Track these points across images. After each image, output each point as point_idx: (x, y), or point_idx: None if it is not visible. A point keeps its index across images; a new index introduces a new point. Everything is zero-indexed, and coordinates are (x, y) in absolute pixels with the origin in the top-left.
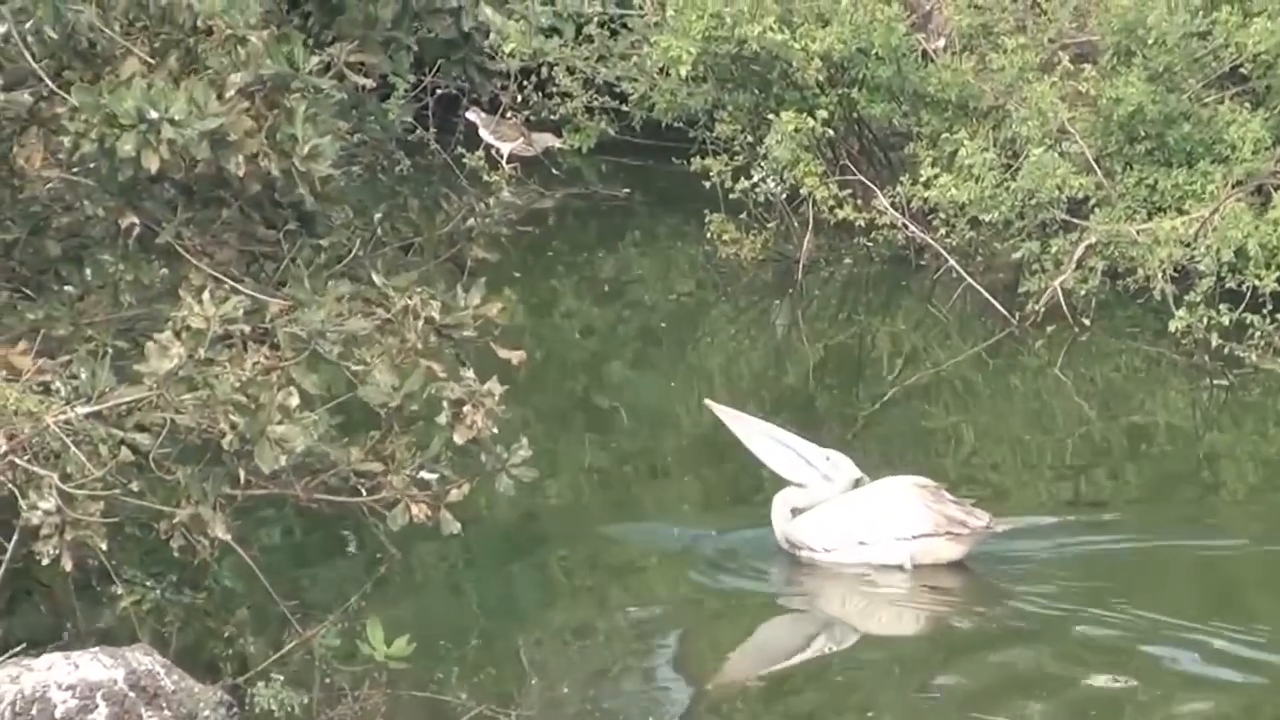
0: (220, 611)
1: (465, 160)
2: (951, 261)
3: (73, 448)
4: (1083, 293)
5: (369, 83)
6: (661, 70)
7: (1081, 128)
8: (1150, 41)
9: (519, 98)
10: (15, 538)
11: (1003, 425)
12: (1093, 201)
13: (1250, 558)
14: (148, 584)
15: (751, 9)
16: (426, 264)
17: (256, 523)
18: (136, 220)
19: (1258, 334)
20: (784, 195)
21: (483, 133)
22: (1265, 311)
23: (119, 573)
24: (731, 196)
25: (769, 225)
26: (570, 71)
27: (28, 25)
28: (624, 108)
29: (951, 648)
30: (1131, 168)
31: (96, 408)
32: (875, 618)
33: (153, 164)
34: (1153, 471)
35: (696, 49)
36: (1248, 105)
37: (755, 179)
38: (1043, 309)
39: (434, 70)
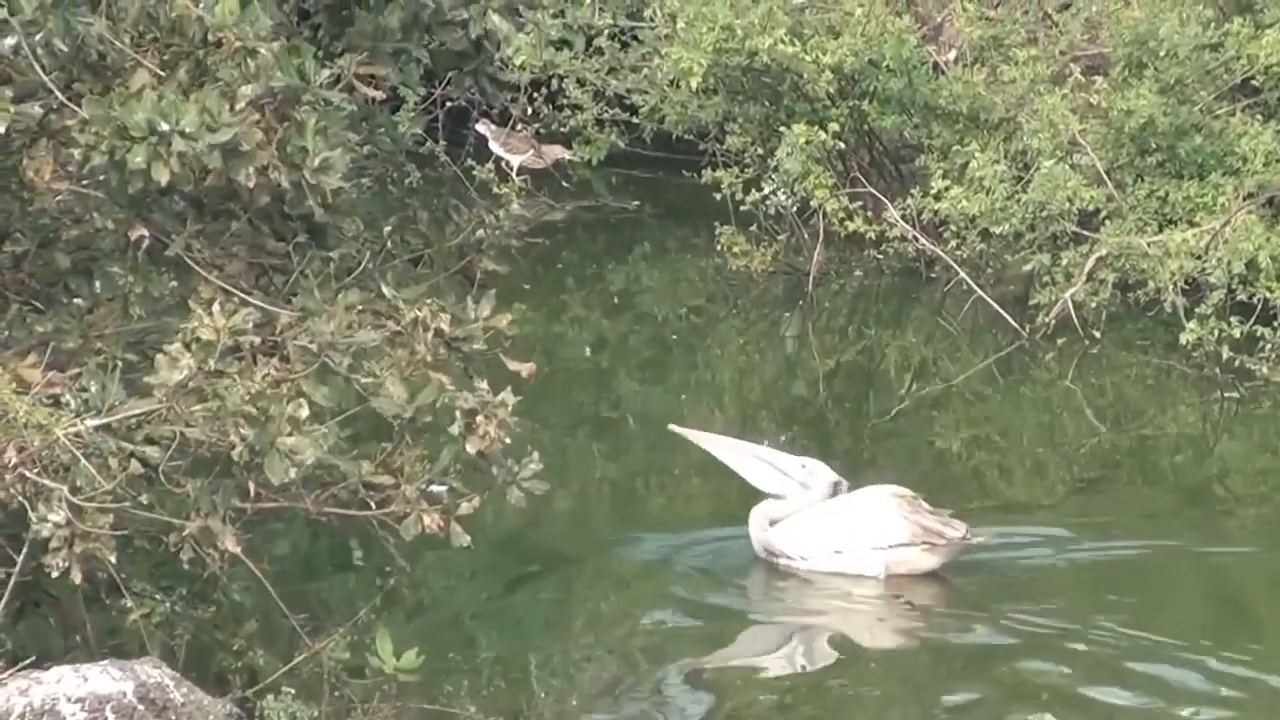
0: (229, 624)
1: (475, 172)
2: (962, 274)
3: (82, 460)
4: (1093, 305)
5: (379, 95)
6: (672, 82)
7: (1093, 140)
8: (1162, 54)
9: (529, 110)
10: (25, 550)
11: (1013, 438)
12: (1104, 214)
13: (1260, 569)
14: (157, 597)
15: (762, 21)
16: (436, 276)
17: (266, 535)
18: (146, 233)
19: (1268, 346)
20: (794, 208)
21: (493, 145)
22: (1276, 324)
23: (128, 585)
24: (742, 209)
25: (779, 238)
26: (581, 84)
27: (38, 37)
28: (634, 120)
29: (955, 663)
30: (1143, 180)
31: (106, 420)
32: (881, 633)
33: (163, 176)
34: (1163, 484)
35: (707, 61)
36: (1259, 117)
37: (765, 191)
38: (1053, 321)
39: (444, 83)
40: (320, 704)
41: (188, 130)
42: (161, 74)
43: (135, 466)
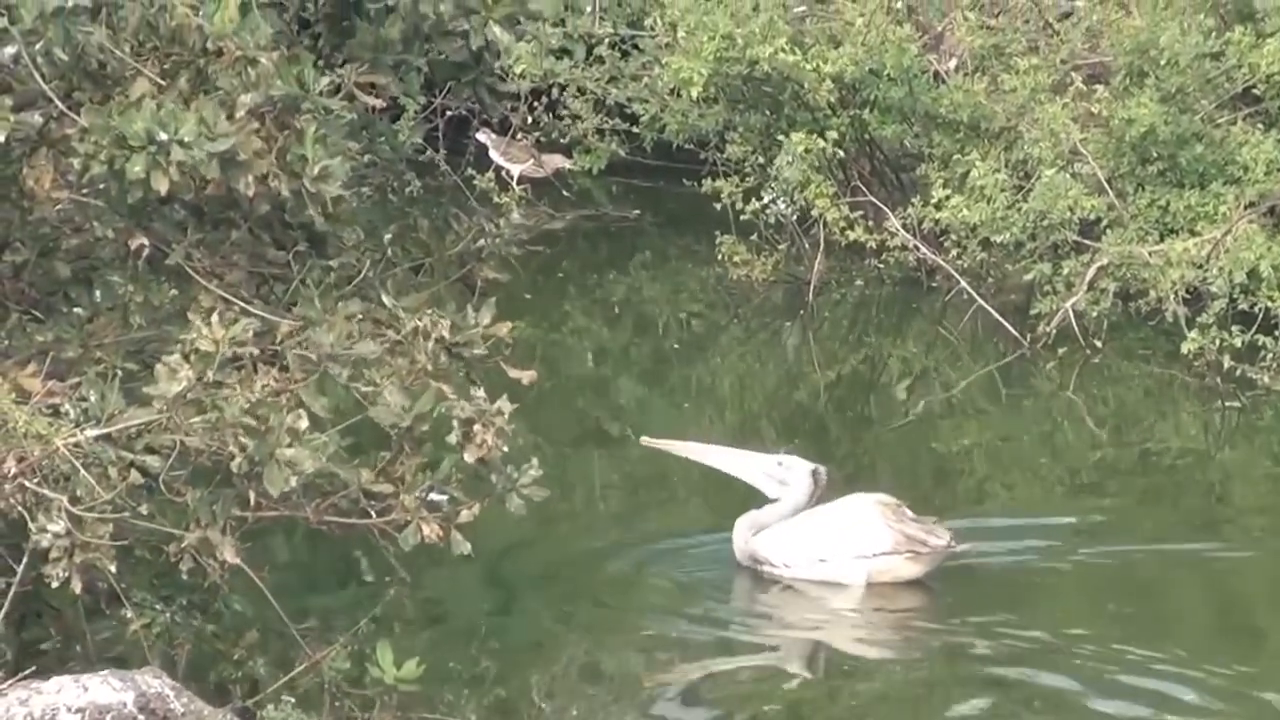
0: (230, 634)
1: (475, 181)
2: (963, 283)
3: (82, 470)
4: (1094, 314)
5: (379, 104)
6: (672, 91)
7: (1093, 149)
8: (1163, 62)
9: (529, 119)
10: (25, 560)
11: (1014, 447)
12: (1105, 223)
13: (1261, 578)
14: (157, 606)
15: (763, 30)
16: (437, 285)
17: (266, 545)
18: (146, 242)
19: (1270, 356)
20: (795, 217)
21: (493, 154)
22: (1277, 333)
23: (128, 595)
24: (742, 218)
25: (780, 247)
26: (581, 93)
27: (38, 46)
28: (635, 129)
29: (944, 674)
30: (1144, 189)
31: (106, 430)
32: (885, 644)
33: (162, 185)
34: (1164, 493)
35: (708, 70)
36: (1260, 126)
37: (766, 200)
38: (1054, 331)
39: (444, 92)
40: (320, 714)
41: (186, 139)
42: (162, 83)
43: (135, 476)
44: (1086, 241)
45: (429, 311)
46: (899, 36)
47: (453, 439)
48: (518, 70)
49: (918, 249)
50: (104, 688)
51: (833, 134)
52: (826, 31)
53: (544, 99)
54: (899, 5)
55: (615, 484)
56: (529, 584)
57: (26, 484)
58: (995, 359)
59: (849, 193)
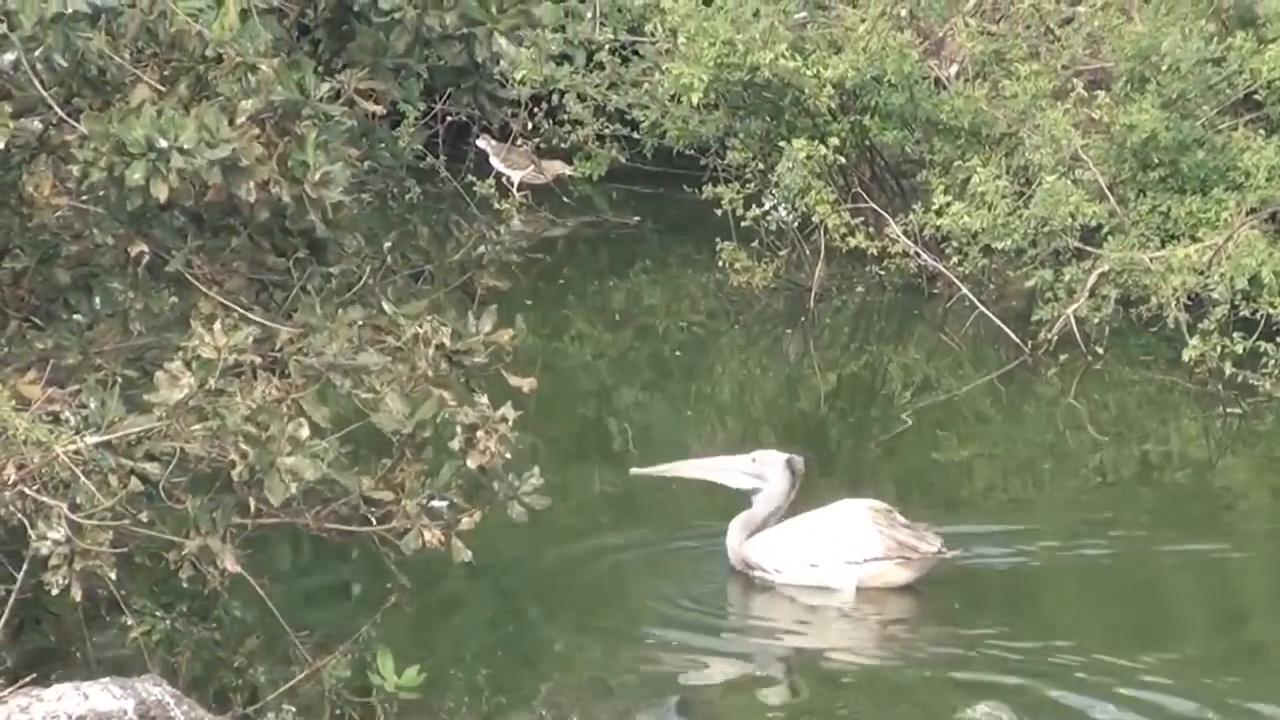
0: (230, 641)
1: (476, 188)
2: (964, 290)
3: (82, 477)
4: (1096, 321)
5: (379, 110)
6: (673, 98)
7: (1095, 155)
8: (1164, 68)
9: (529, 125)
10: (25, 567)
11: (1015, 454)
12: (1106, 229)
13: (1262, 584)
14: (157, 614)
15: (764, 36)
16: (437, 291)
17: (267, 552)
18: (146, 248)
19: (1271, 362)
20: (795, 223)
21: (493, 160)
22: (1279, 340)
23: (128, 603)
24: (743, 224)
25: (780, 253)
26: (581, 99)
27: (37, 53)
28: (635, 135)
29: (955, 681)
30: (1145, 195)
31: (106, 437)
32: (880, 651)
33: (162, 192)
34: (1165, 500)
35: (708, 76)
36: (1262, 132)
37: (766, 207)
38: (1055, 337)
39: (444, 98)
40: None
41: (186, 146)
42: (161, 89)
43: (135, 484)
44: (1088, 248)
45: (429, 318)
46: (900, 42)
47: (455, 445)
48: (518, 76)
49: (919, 255)
50: (104, 695)
51: (833, 140)
52: (827, 37)
53: (544, 105)
54: (900, 11)
55: (616, 491)
56: (529, 591)
57: (26, 491)
58: (996, 365)
59: (850, 199)
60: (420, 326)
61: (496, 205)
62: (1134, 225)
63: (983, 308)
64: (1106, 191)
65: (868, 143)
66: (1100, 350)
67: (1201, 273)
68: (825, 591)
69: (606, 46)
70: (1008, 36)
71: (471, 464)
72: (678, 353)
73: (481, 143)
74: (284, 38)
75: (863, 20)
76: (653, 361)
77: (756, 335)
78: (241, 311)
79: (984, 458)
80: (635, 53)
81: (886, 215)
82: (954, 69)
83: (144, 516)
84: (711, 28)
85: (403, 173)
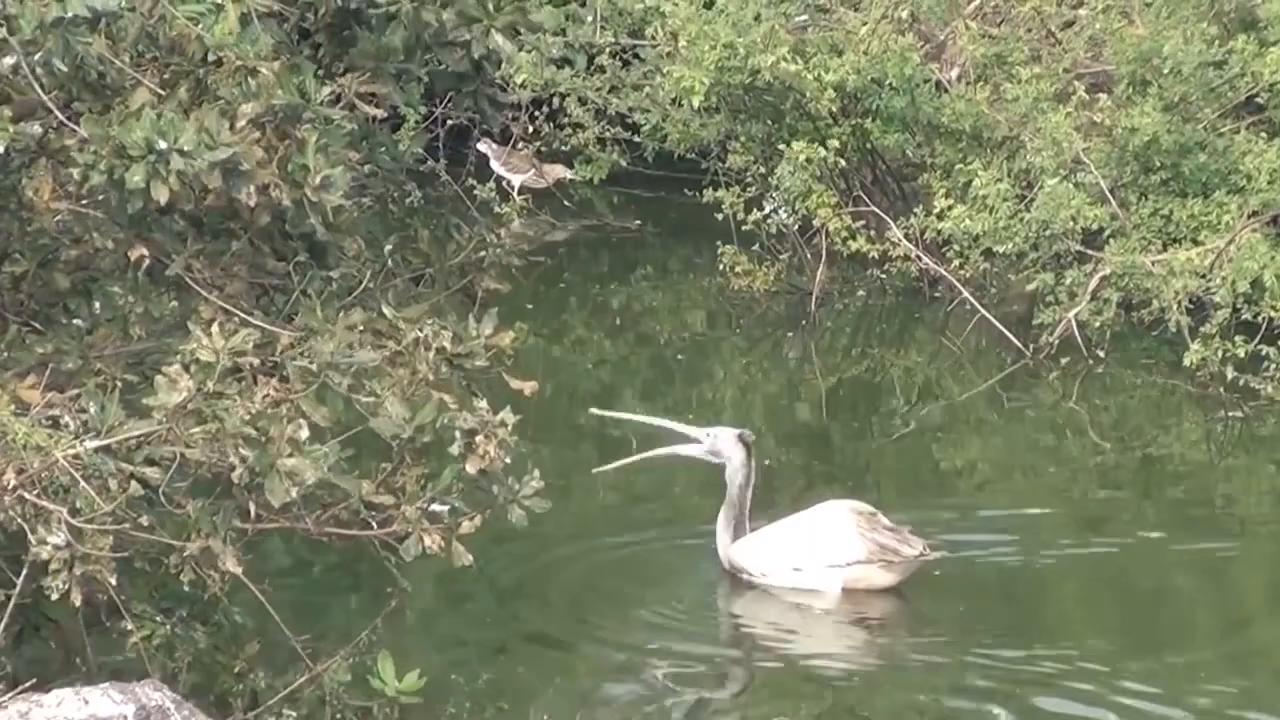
0: (231, 646)
1: (476, 191)
2: (965, 293)
3: (82, 482)
4: (1097, 325)
5: (380, 113)
6: (674, 101)
7: (1096, 158)
8: (1166, 71)
9: (530, 129)
10: (24, 573)
11: (1016, 457)
12: (1107, 232)
13: (1264, 589)
14: (158, 619)
15: (765, 39)
16: (437, 295)
17: (267, 557)
18: (146, 252)
19: (1273, 366)
20: (796, 227)
21: (494, 164)
22: None
23: (129, 607)
24: (744, 228)
25: (781, 257)
26: (582, 102)
27: (37, 57)
28: (636, 139)
29: (955, 687)
30: (1146, 198)
31: (106, 442)
32: (889, 655)
33: (162, 196)
34: (1166, 503)
35: (709, 79)
36: (1264, 135)
37: (767, 210)
38: (1057, 341)
39: (445, 102)
40: None
41: (186, 149)
42: (161, 93)
43: (135, 488)
44: (1089, 251)
45: (430, 322)
46: (901, 45)
47: (455, 450)
48: (519, 80)
49: (920, 259)
50: (104, 700)
51: (834, 143)
52: (828, 40)
53: (545, 109)
54: (901, 14)
55: (616, 493)
56: (530, 595)
57: (26, 496)
58: (998, 369)
59: (851, 202)
60: (421, 330)
61: (497, 209)
62: (1135, 229)
63: (984, 311)
64: (1108, 195)
65: (869, 146)
66: (1102, 354)
67: (1203, 276)
68: (812, 594)
69: (607, 50)
70: (1009, 40)
71: (471, 468)
72: (679, 356)
73: (482, 146)
74: (284, 41)
75: (864, 23)
76: (653, 365)
77: (757, 339)
78: (242, 315)
79: (985, 461)
80: (636, 56)
81: (888, 219)
82: (955, 72)
83: (144, 521)
84: (712, 31)
85: (403, 176)
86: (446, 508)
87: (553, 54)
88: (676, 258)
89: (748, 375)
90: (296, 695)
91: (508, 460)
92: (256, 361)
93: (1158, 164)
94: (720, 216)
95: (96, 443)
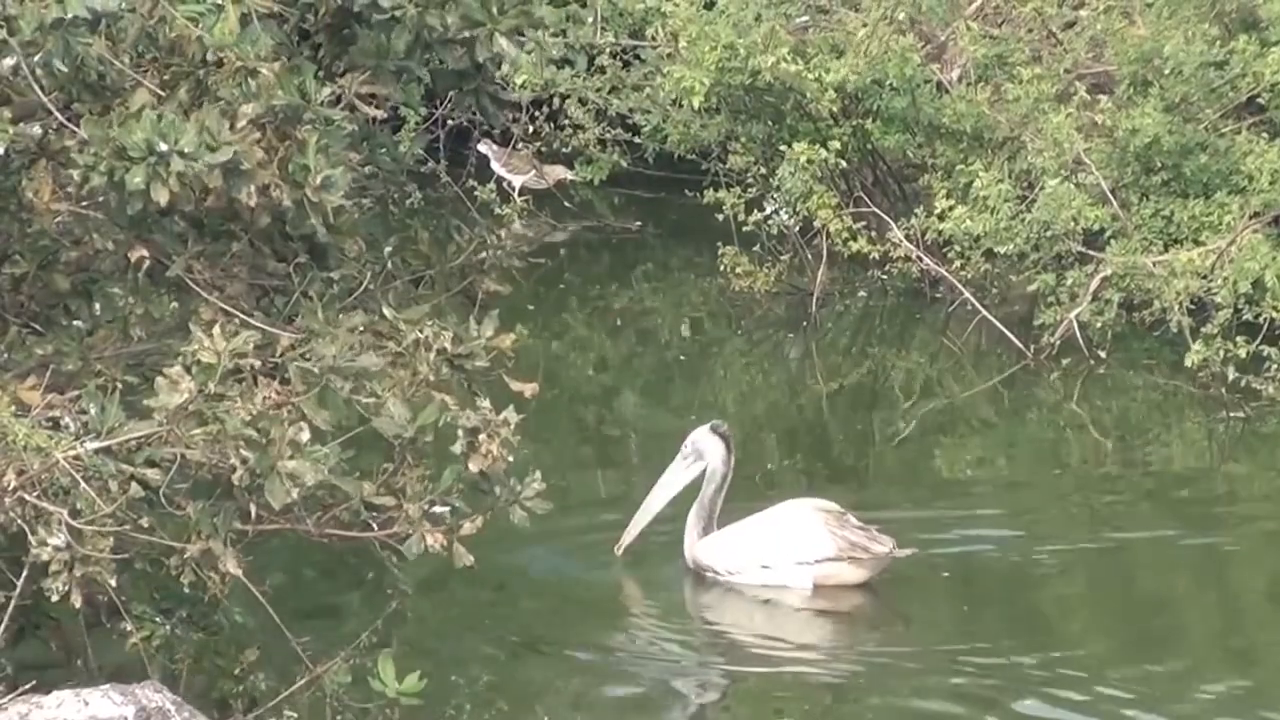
0: (231, 648)
1: (477, 192)
2: (966, 294)
3: (82, 483)
4: (1098, 325)
5: (380, 114)
6: (674, 102)
7: (1097, 159)
8: (1167, 71)
9: (531, 130)
10: (24, 574)
11: (1017, 458)
12: (1109, 233)
13: (1264, 589)
14: (158, 620)
15: (765, 40)
16: (438, 297)
17: (267, 558)
18: (146, 254)
19: (1274, 366)
20: (797, 228)
21: (494, 165)
22: None
23: (129, 609)
24: (745, 229)
25: (782, 258)
26: (582, 103)
27: (37, 58)
28: (637, 140)
29: (962, 688)
30: (1148, 199)
31: (106, 443)
32: (889, 659)
33: (162, 197)
34: (1167, 504)
35: (710, 80)
36: (1265, 135)
37: (768, 211)
38: (1058, 342)
39: (445, 102)
40: None
41: (187, 150)
42: (161, 94)
43: (135, 489)
44: (1090, 252)
45: (431, 323)
46: (902, 46)
47: (457, 449)
48: (519, 80)
49: (921, 260)
50: (104, 702)
51: (835, 144)
52: (829, 41)
53: (545, 109)
54: (901, 15)
55: (618, 494)
56: (531, 596)
57: (26, 497)
58: (999, 370)
59: (852, 203)
60: (421, 331)
61: (498, 210)
62: (1137, 229)
63: (985, 312)
64: (1109, 195)
65: (869, 147)
66: (1103, 354)
67: (1204, 277)
68: (783, 591)
69: (608, 50)
70: (1010, 40)
71: (473, 468)
72: (680, 357)
73: (483, 147)
74: (284, 42)
75: (864, 24)
76: (654, 366)
77: (758, 340)
78: (242, 317)
79: (986, 462)
80: (637, 57)
81: (888, 219)
82: (956, 73)
83: (145, 522)
84: (713, 32)
85: (403, 177)
86: (447, 509)
87: (553, 54)
88: (677, 259)
89: (748, 376)
90: (297, 697)
91: (510, 460)
92: (257, 363)
93: (1159, 164)
94: (721, 217)
95: (97, 444)
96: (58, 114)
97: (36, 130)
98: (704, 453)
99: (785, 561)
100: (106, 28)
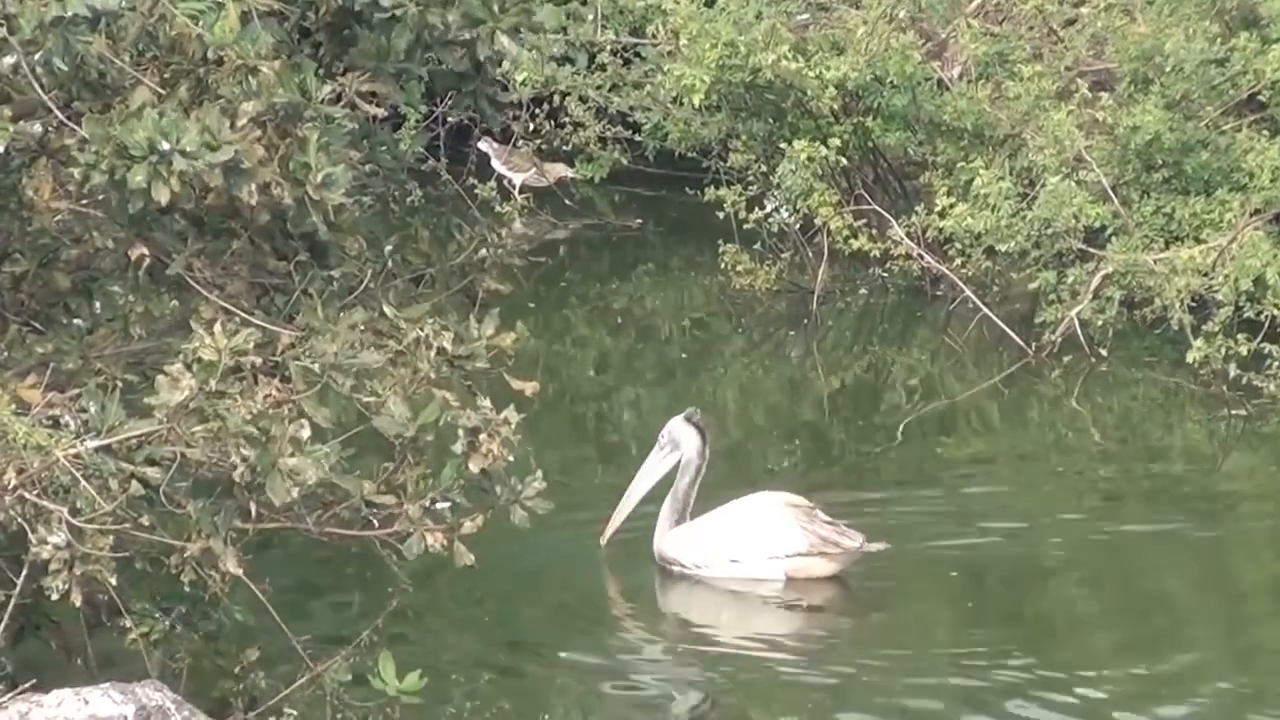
0: (231, 646)
1: (477, 191)
2: (967, 292)
3: (82, 482)
4: (1099, 323)
5: (381, 112)
6: (675, 99)
7: (1098, 156)
8: (1167, 69)
9: (531, 128)
10: (24, 572)
11: (1019, 456)
12: (1110, 230)
13: (1266, 589)
14: (158, 618)
15: (765, 38)
16: (438, 295)
17: (267, 557)
18: (146, 252)
19: (1276, 364)
20: (798, 225)
21: (495, 163)
22: None
23: (129, 607)
24: (745, 227)
25: (783, 256)
26: (583, 101)
27: (37, 56)
28: (637, 137)
29: (962, 689)
30: (1149, 196)
31: (106, 441)
32: (889, 660)
33: (163, 195)
34: (1169, 501)
35: (710, 78)
36: (1266, 132)
37: (769, 209)
38: (1059, 339)
39: (445, 100)
40: None
41: (188, 149)
42: (162, 92)
43: (136, 488)
44: (1091, 249)
45: (431, 321)
46: (902, 44)
47: (458, 448)
48: (519, 78)
49: (922, 257)
50: (104, 701)
51: (836, 142)
52: (829, 39)
53: (545, 107)
54: (902, 13)
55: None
56: (532, 595)
57: (26, 496)
58: (1000, 368)
59: (852, 201)
60: (422, 330)
61: (498, 208)
62: (1138, 227)
63: (986, 310)
64: (1110, 193)
65: (870, 144)
66: (1104, 352)
67: (1206, 274)
68: (754, 583)
69: (608, 48)
70: (1010, 38)
71: (474, 467)
72: (680, 355)
73: (483, 145)
74: (285, 40)
75: (865, 22)
76: (655, 364)
77: (759, 338)
78: (243, 315)
79: (987, 460)
80: (637, 54)
81: (889, 217)
82: (957, 70)
83: (145, 521)
84: (713, 29)
85: (404, 175)
86: (448, 505)
87: (554, 52)
88: (678, 257)
89: (749, 374)
90: (297, 695)
91: (510, 459)
92: (258, 361)
93: (1160, 162)
94: (722, 215)
95: (97, 442)
96: (58, 112)
97: (37, 128)
98: (679, 442)
99: (756, 556)
100: (107, 26)
